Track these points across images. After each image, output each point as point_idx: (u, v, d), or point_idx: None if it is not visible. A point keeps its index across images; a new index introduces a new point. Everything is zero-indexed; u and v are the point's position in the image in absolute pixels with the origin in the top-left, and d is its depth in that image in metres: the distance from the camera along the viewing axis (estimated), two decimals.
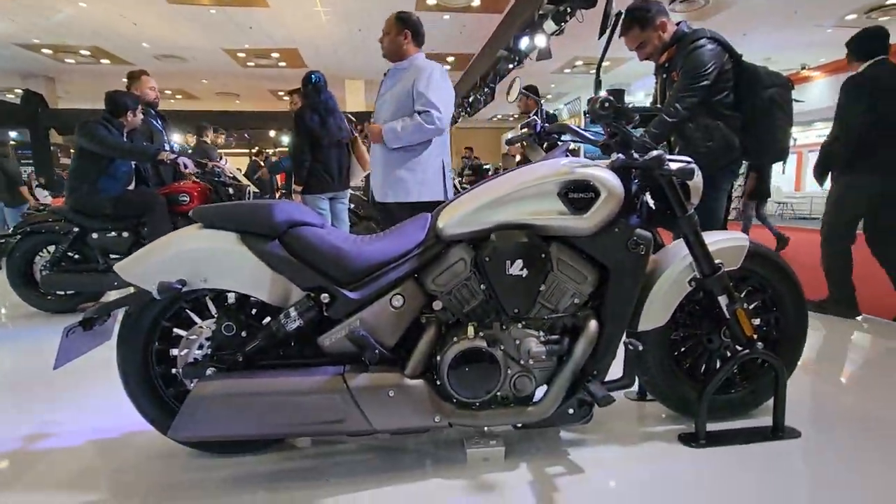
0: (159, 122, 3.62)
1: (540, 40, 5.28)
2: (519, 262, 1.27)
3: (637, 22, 2.12)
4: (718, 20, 9.28)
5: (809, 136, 9.02)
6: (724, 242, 1.48)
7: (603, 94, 1.31)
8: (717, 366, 1.55)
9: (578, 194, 1.26)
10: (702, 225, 2.11)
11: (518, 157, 4.22)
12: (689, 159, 1.44)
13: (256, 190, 4.40)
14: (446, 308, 1.33)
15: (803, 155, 8.57)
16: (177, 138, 4.65)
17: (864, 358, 2.57)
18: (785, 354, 1.58)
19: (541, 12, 4.76)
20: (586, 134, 1.47)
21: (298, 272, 1.24)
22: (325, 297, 1.25)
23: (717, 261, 1.42)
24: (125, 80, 3.78)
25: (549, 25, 4.80)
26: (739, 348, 1.47)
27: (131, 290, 1.28)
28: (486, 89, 8.55)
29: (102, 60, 11.39)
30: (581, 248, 1.32)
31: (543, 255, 1.29)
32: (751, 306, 1.58)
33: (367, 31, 9.78)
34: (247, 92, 15.30)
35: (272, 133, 15.22)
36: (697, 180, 1.43)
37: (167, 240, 1.28)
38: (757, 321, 1.59)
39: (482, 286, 1.31)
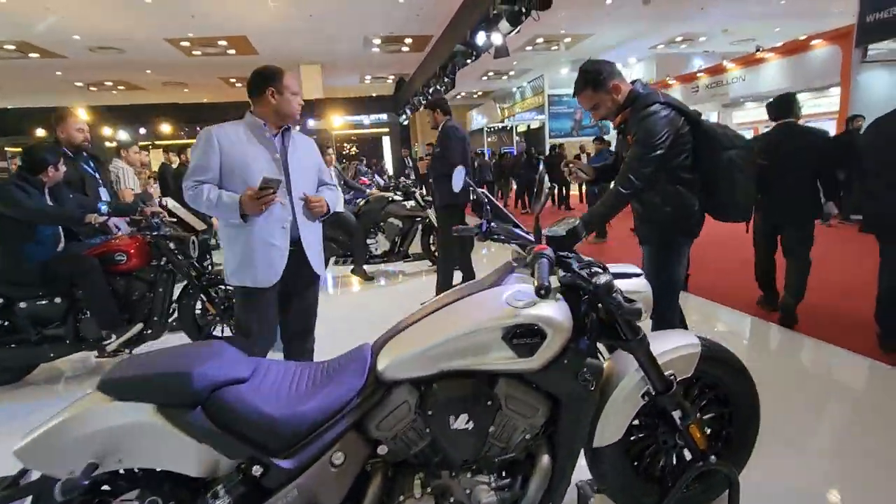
0: (91, 165, 3.28)
1: (496, 38, 5.08)
2: (464, 416, 1.20)
3: (589, 84, 2.00)
4: None
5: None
6: (676, 352, 1.43)
7: (547, 253, 1.18)
8: (674, 461, 1.53)
9: (524, 340, 1.17)
10: (662, 293, 2.03)
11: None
12: (638, 284, 1.38)
13: (204, 227, 4.05)
14: (392, 451, 1.23)
15: (759, 131, 8.72)
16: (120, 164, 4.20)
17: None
18: (738, 450, 1.59)
19: (494, 11, 4.56)
20: (527, 236, 1.42)
21: (225, 444, 1.10)
22: (257, 469, 1.12)
23: (669, 372, 1.37)
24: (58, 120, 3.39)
25: (504, 25, 4.62)
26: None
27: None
28: (445, 79, 8.28)
29: (31, 55, 10.49)
30: (530, 380, 1.24)
31: (490, 402, 1.22)
32: (703, 403, 1.58)
33: (318, 16, 9.29)
34: (196, 81, 14.45)
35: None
36: (647, 295, 1.37)
37: (72, 416, 1.09)
38: (711, 414, 1.59)
39: (428, 430, 1.22)
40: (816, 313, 3.44)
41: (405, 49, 12.17)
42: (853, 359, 2.83)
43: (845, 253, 5.07)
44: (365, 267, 5.01)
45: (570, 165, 2.16)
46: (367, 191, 5.31)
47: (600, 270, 1.25)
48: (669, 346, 1.42)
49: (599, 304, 1.26)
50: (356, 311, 4.37)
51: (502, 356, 1.18)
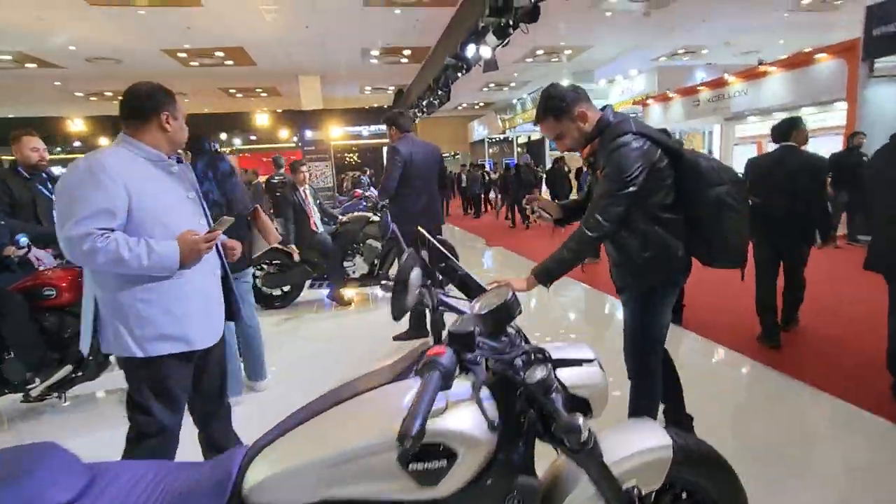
0: (49, 186, 3.09)
1: (485, 51, 4.92)
2: None
3: (551, 111, 1.74)
4: (677, 8, 9.09)
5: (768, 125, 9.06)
6: (642, 457, 1.10)
7: (442, 362, 0.82)
8: None
9: (424, 464, 0.86)
10: (640, 351, 1.84)
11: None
12: (589, 375, 1.07)
13: None
14: None
15: (763, 146, 8.52)
16: None
17: None
18: None
19: (482, 24, 4.40)
20: (460, 306, 1.16)
21: None
22: None
23: (631, 484, 1.06)
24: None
25: (492, 39, 4.45)
26: None
27: None
28: (439, 92, 8.15)
29: (28, 65, 10.47)
30: None
31: None
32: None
33: (314, 27, 9.23)
34: (196, 91, 14.45)
35: (223, 135, 14.38)
36: (600, 388, 1.07)
37: None
38: None
39: None
40: (825, 358, 3.14)
41: (404, 60, 12.10)
42: (864, 418, 2.44)
43: (851, 277, 4.83)
44: (342, 291, 4.76)
45: (534, 203, 1.92)
46: (340, 217, 4.92)
47: (540, 356, 0.96)
48: (633, 450, 1.11)
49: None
50: (330, 341, 4.02)
51: (398, 486, 0.87)
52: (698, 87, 9.63)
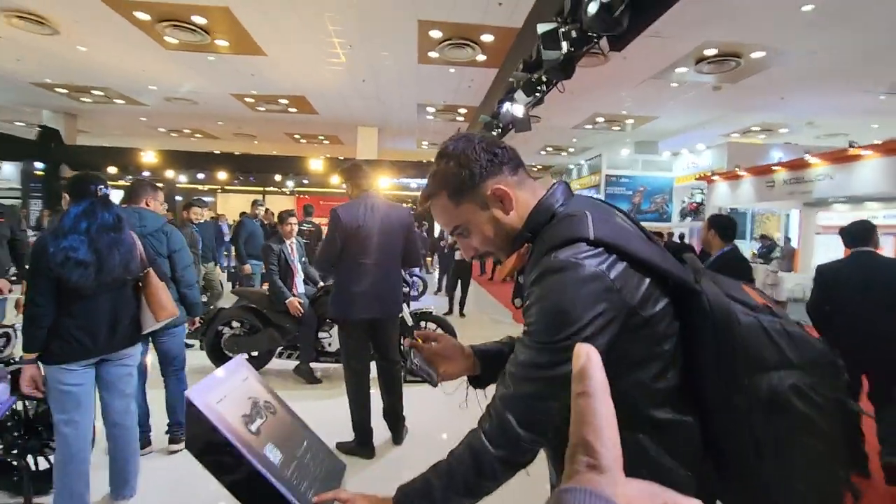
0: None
1: (517, 110, 4.52)
2: None
3: (445, 185, 0.93)
4: (753, 82, 8.42)
5: (858, 215, 7.92)
6: None
7: None
8: None
9: None
10: None
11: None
12: None
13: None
14: None
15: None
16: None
17: None
18: None
19: (511, 79, 4.04)
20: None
21: None
22: None
23: None
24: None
25: (521, 96, 4.05)
26: None
27: None
28: None
29: (117, 101, 11.47)
30: None
31: None
32: None
33: (371, 81, 9.42)
34: (263, 134, 15.28)
35: (277, 177, 14.92)
36: None
37: None
38: None
39: None
40: None
41: (460, 118, 12.14)
42: None
43: None
44: (312, 365, 4.07)
45: (413, 351, 1.06)
46: (321, 283, 4.21)
47: None
48: None
49: None
50: None
51: None
52: (773, 167, 8.71)
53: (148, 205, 2.69)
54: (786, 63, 7.53)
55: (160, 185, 3.14)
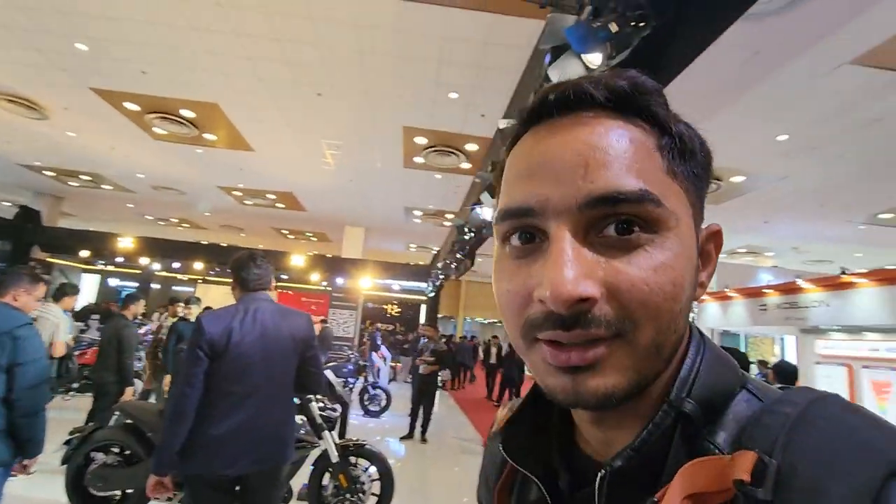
0: None
1: (487, 213, 4.29)
2: None
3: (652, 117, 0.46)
4: (735, 205, 8.50)
5: (860, 346, 7.50)
6: None
7: None
8: None
9: None
10: None
11: None
12: None
13: None
14: None
15: (854, 370, 6.85)
16: None
17: None
18: None
19: (476, 179, 3.85)
20: None
21: None
22: None
23: None
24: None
25: (486, 198, 3.82)
26: None
27: None
28: (458, 255, 7.59)
29: (104, 186, 11.45)
30: None
31: None
32: None
33: (358, 182, 9.47)
34: (250, 227, 15.24)
35: None
36: None
37: None
38: None
39: None
40: None
41: (447, 223, 12.15)
42: None
43: None
44: None
45: None
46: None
47: None
48: None
49: None
50: None
51: None
52: (764, 290, 8.47)
53: (16, 300, 2.18)
54: (762, 188, 7.62)
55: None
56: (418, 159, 7.77)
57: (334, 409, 3.16)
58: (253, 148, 8.02)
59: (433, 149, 7.24)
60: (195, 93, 6.16)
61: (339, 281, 12.29)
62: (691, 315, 0.43)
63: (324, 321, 7.22)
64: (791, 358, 10.81)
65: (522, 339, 0.39)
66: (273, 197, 11.22)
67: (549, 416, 0.49)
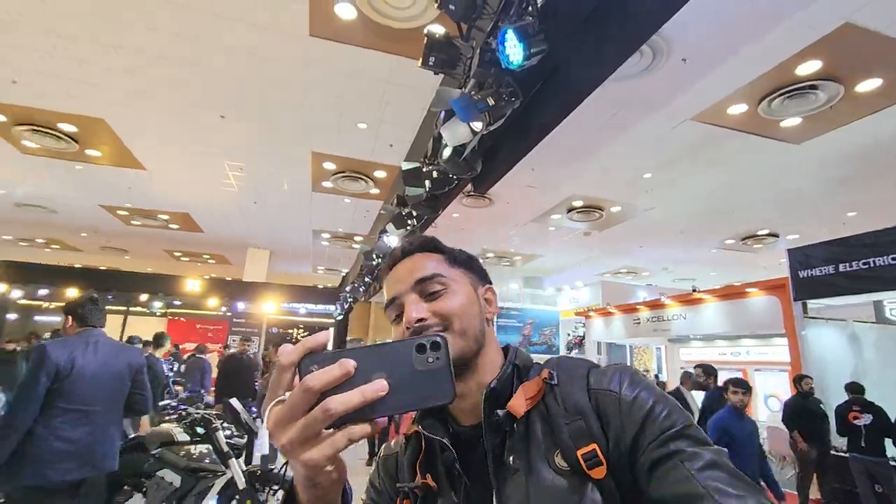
0: None
1: (392, 241, 4.56)
2: None
3: (443, 251, 1.09)
4: (615, 231, 9.63)
5: (714, 352, 8.84)
6: None
7: None
8: None
9: None
10: None
11: None
12: None
13: None
14: None
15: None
16: None
17: None
18: None
19: (382, 211, 4.13)
20: None
21: None
22: None
23: None
24: None
25: (392, 228, 4.12)
26: None
27: None
28: (366, 279, 7.74)
29: None
30: None
31: None
32: None
33: (263, 204, 9.21)
34: (137, 250, 13.91)
35: (143, 296, 13.31)
36: None
37: None
38: None
39: None
40: None
41: (356, 246, 12.15)
42: None
43: None
44: None
45: None
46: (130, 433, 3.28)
47: None
48: None
49: None
50: None
51: None
52: (637, 306, 9.66)
53: None
54: (636, 216, 8.79)
55: None
56: (327, 184, 7.81)
57: (241, 437, 3.12)
58: (144, 167, 7.50)
59: (342, 174, 7.35)
60: (79, 107, 5.70)
61: (241, 306, 11.67)
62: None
63: (226, 347, 6.83)
64: (663, 364, 12.29)
65: None
66: (166, 217, 10.45)
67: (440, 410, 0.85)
